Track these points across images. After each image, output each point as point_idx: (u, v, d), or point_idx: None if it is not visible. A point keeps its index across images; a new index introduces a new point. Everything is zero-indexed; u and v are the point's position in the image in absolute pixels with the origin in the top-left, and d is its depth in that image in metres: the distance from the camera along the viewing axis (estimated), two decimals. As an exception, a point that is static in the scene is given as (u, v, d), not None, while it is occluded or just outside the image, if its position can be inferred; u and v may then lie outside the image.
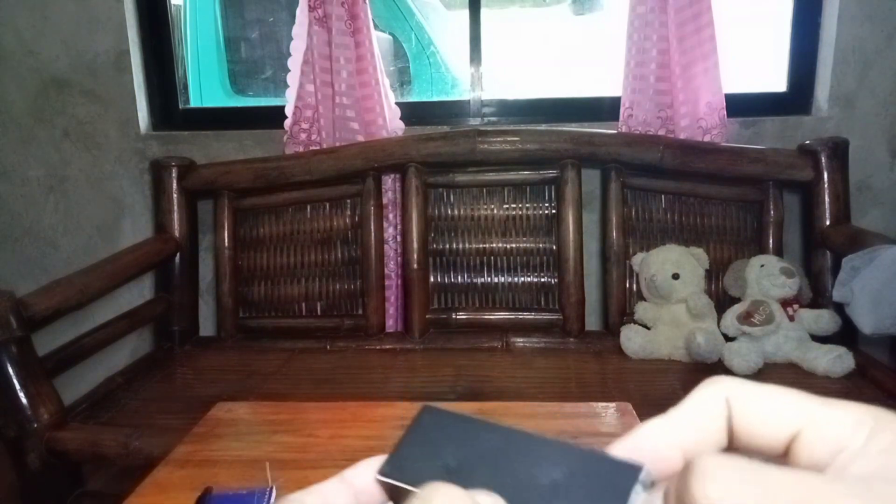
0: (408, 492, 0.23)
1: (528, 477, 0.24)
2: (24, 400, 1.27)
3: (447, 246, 1.79)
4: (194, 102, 2.17)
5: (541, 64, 2.84)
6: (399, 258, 1.81)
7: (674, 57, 1.68)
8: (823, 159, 1.65)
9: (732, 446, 0.21)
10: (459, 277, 1.79)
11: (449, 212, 1.79)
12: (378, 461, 0.25)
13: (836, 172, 1.66)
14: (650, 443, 0.23)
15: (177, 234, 1.81)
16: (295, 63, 1.80)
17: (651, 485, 0.23)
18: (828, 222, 1.66)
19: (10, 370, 1.27)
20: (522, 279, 1.78)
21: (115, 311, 1.68)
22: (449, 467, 0.24)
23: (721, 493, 0.18)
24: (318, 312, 1.82)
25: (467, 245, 1.79)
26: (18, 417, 1.28)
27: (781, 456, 0.20)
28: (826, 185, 1.66)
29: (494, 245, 1.78)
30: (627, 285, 1.75)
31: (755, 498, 0.17)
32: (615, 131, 1.75)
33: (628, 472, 0.23)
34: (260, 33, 2.53)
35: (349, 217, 1.81)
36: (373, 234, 1.76)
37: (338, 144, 1.78)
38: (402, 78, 2.44)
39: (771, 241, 1.69)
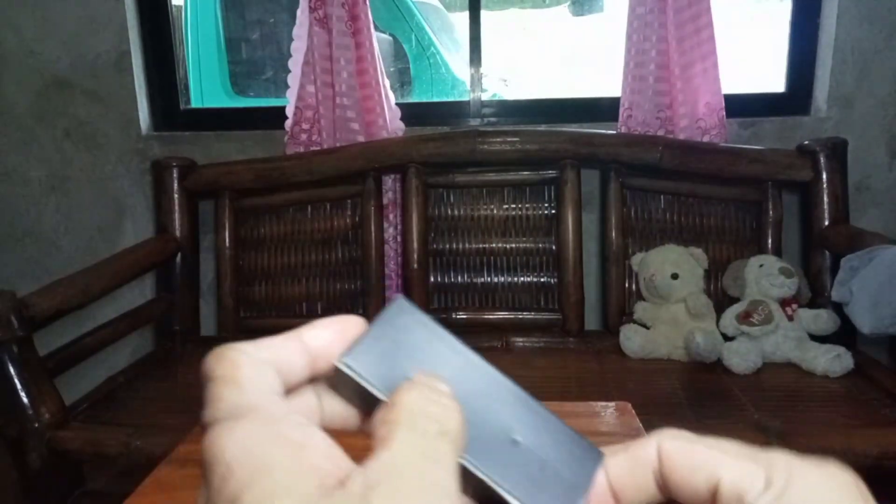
0: (360, 387, 0.22)
1: (496, 425, 0.22)
2: (25, 399, 1.28)
3: (447, 246, 1.80)
4: (195, 103, 2.18)
5: (541, 64, 2.84)
6: (399, 258, 1.81)
7: (673, 57, 1.68)
8: (822, 160, 1.65)
9: (666, 496, 0.22)
10: (459, 277, 1.80)
11: (449, 212, 1.80)
12: (334, 326, 0.23)
13: (834, 173, 1.66)
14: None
15: (178, 234, 1.81)
16: (295, 64, 1.81)
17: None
18: (826, 222, 1.66)
19: (12, 370, 1.27)
20: (522, 279, 1.78)
21: (117, 311, 1.68)
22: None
23: None
24: (319, 312, 1.83)
25: (467, 245, 1.79)
26: (20, 417, 1.28)
27: None
28: (825, 186, 1.66)
29: (494, 245, 1.79)
30: (627, 285, 1.76)
31: None
32: (614, 132, 1.76)
33: (592, 459, 0.23)
34: (260, 34, 2.54)
35: (350, 217, 1.81)
36: (373, 234, 1.77)
37: (338, 145, 1.79)
38: (403, 78, 2.44)
39: (770, 241, 1.69)
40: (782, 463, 0.21)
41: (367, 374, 0.22)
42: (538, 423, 0.23)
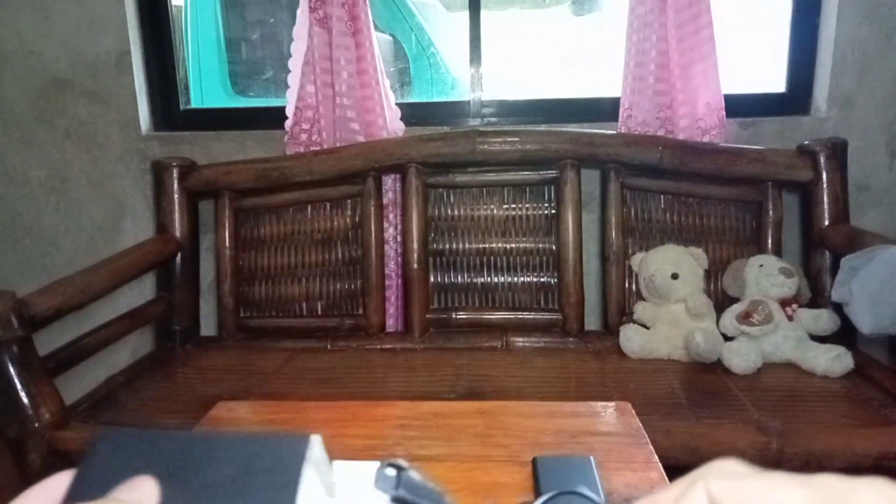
0: None
1: (207, 477, 0.25)
2: (25, 399, 1.28)
3: (447, 246, 1.80)
4: (195, 103, 2.17)
5: (541, 64, 2.84)
6: (399, 258, 1.81)
7: (673, 57, 1.68)
8: (822, 159, 1.66)
9: None
10: (459, 277, 1.80)
11: (449, 212, 1.80)
12: (37, 492, 0.25)
13: (834, 173, 1.66)
14: None
15: (178, 234, 1.82)
16: (295, 64, 1.81)
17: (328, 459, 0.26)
18: (826, 222, 1.66)
19: (12, 370, 1.27)
20: (522, 279, 1.78)
21: (117, 311, 1.69)
22: None
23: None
24: (319, 312, 1.83)
25: (467, 245, 1.79)
26: (20, 417, 1.28)
27: None
28: (825, 186, 1.66)
29: (494, 245, 1.79)
30: (627, 285, 1.76)
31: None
32: (614, 132, 1.76)
33: (298, 446, 0.25)
34: (260, 34, 2.54)
35: (349, 217, 1.82)
36: (373, 234, 1.77)
37: (338, 145, 1.79)
38: (403, 79, 2.44)
39: (770, 241, 1.69)
40: (831, 486, 0.20)
41: None
42: (241, 452, 0.25)
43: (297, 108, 1.81)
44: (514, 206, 1.79)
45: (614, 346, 1.65)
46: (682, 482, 0.23)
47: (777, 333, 1.54)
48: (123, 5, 1.87)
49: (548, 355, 1.67)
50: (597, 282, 1.84)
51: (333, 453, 0.27)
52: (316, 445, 0.26)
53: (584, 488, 0.54)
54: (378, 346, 1.75)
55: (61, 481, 0.25)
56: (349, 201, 1.81)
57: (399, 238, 1.81)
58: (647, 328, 1.66)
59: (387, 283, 1.81)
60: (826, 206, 1.66)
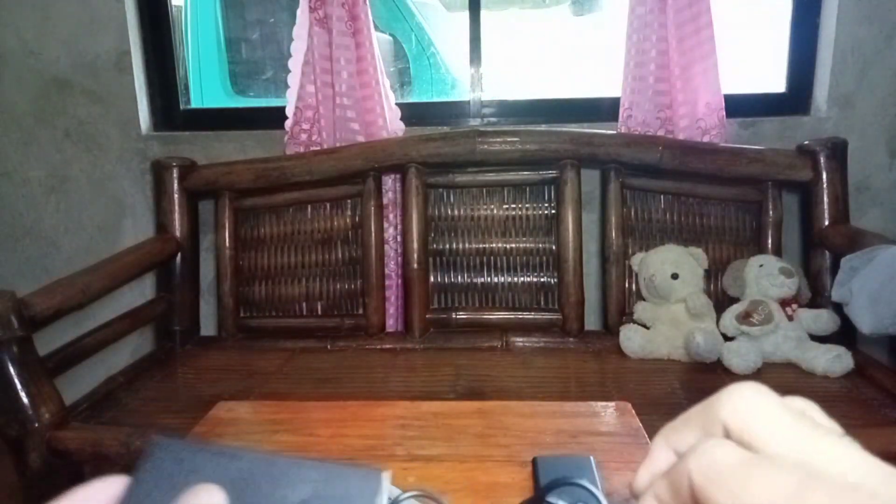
0: None
1: (275, 499, 0.24)
2: (25, 399, 1.28)
3: (447, 246, 1.80)
4: (195, 103, 2.17)
5: (541, 64, 2.84)
6: (399, 258, 1.81)
7: (673, 57, 1.68)
8: (822, 160, 1.66)
9: None
10: (459, 277, 1.80)
11: (449, 212, 1.80)
12: (93, 493, 0.24)
13: (834, 173, 1.66)
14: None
15: (178, 234, 1.82)
16: (295, 64, 1.81)
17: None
18: (826, 222, 1.66)
19: (12, 370, 1.27)
20: (522, 279, 1.78)
21: (116, 311, 1.68)
22: None
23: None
24: (319, 312, 1.83)
25: (467, 245, 1.79)
26: (20, 417, 1.28)
27: None
28: (825, 186, 1.66)
29: (494, 245, 1.79)
30: (627, 285, 1.76)
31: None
32: (614, 132, 1.76)
33: (372, 480, 0.25)
34: (260, 34, 2.53)
35: (349, 217, 1.82)
36: (373, 234, 1.77)
37: (338, 145, 1.79)
38: (403, 79, 2.44)
39: (770, 241, 1.69)
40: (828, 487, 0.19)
41: None
42: (312, 478, 0.25)
43: (297, 108, 1.81)
44: (514, 206, 1.79)
45: (614, 346, 1.65)
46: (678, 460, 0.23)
47: (777, 333, 1.54)
48: (123, 5, 1.87)
49: (548, 355, 1.67)
50: (597, 282, 1.84)
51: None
52: (386, 482, 0.25)
53: (584, 480, 0.53)
54: (378, 346, 1.75)
55: (111, 487, 0.24)
56: (349, 201, 1.81)
57: (399, 238, 1.81)
58: (647, 328, 1.66)
59: (387, 283, 1.81)
60: (826, 206, 1.66)
